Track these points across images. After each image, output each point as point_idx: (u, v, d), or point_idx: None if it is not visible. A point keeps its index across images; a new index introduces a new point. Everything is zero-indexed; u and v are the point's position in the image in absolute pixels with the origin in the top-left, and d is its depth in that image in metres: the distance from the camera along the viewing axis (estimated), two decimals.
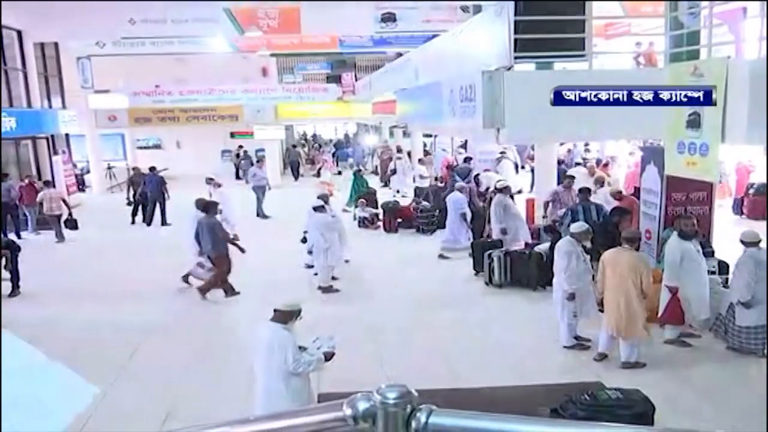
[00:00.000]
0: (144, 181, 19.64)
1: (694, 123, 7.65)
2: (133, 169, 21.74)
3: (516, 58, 8.41)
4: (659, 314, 8.85)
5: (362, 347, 8.67)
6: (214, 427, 1.50)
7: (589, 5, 8.98)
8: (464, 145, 25.76)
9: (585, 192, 12.11)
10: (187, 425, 6.92)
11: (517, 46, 8.31)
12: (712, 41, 8.18)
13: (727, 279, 9.67)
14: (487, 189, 17.56)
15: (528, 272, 11.65)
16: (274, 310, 6.02)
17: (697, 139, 7.65)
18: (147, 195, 19.48)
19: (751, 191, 16.63)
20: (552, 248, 11.66)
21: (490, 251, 12.01)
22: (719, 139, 7.33)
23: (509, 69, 8.41)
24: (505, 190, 13.74)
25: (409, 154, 27.72)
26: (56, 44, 23.83)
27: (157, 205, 19.45)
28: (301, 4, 21.50)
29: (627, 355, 8.21)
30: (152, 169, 20.20)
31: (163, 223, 19.29)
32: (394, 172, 24.58)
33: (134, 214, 19.70)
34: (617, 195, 12.09)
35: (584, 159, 21.98)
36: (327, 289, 11.80)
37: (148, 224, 19.14)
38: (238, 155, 32.38)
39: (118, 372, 8.47)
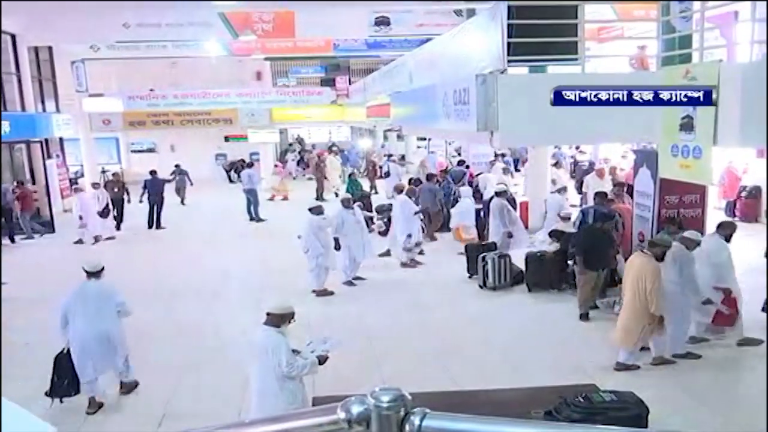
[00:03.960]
0: (145, 184, 19.66)
1: (688, 126, 7.68)
2: (113, 174, 21.57)
3: (509, 61, 8.44)
4: (713, 319, 8.76)
5: (357, 350, 8.66)
6: (210, 429, 1.51)
7: (582, 9, 9.01)
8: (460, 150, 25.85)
9: (601, 195, 12.07)
10: (183, 427, 6.95)
11: (510, 49, 8.33)
12: (704, 45, 8.22)
13: None
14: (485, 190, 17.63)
15: (550, 274, 11.64)
16: (267, 314, 6.03)
17: (691, 143, 7.69)
18: (149, 198, 19.47)
19: (744, 194, 16.69)
20: (559, 251, 11.71)
21: (485, 254, 12.02)
22: (711, 142, 7.37)
23: (503, 72, 8.44)
24: (502, 194, 13.74)
25: (402, 157, 27.76)
26: (50, 48, 23.79)
27: (155, 207, 19.45)
28: (295, 7, 21.51)
29: (625, 357, 8.22)
30: (153, 172, 20.19)
31: (158, 226, 19.28)
32: (387, 174, 24.57)
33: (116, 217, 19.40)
34: (607, 201, 12.05)
35: (577, 162, 22.05)
36: (321, 292, 11.79)
37: (150, 227, 19.18)
38: (232, 163, 32.30)
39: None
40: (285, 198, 24.30)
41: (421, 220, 14.39)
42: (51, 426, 2.19)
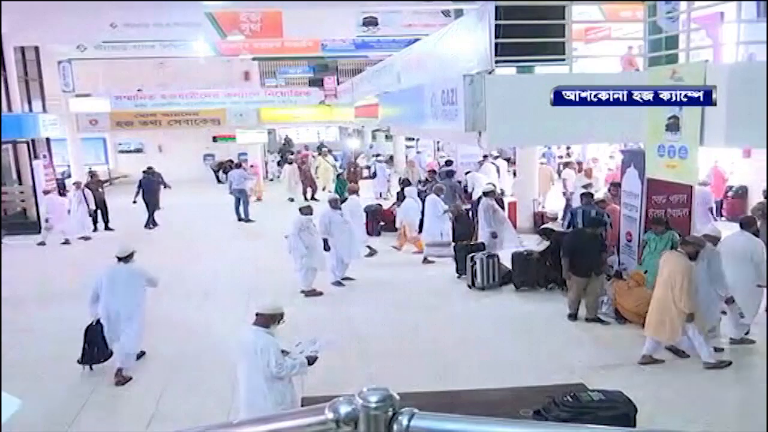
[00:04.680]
0: (140, 182, 19.64)
1: (674, 126, 7.73)
2: (92, 174, 21.39)
3: (497, 62, 8.46)
4: None
5: (345, 350, 8.66)
6: (199, 430, 1.51)
7: (569, 9, 9.04)
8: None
9: (587, 196, 12.09)
10: (172, 428, 6.93)
11: (498, 50, 8.35)
12: (691, 45, 8.27)
13: None
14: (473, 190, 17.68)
15: (537, 273, 11.65)
16: (256, 314, 6.02)
17: (677, 143, 7.74)
18: (144, 196, 19.50)
19: (730, 194, 16.78)
20: (548, 250, 11.71)
21: (473, 254, 12.03)
22: (698, 142, 7.41)
23: (490, 73, 8.46)
24: (490, 194, 13.75)
25: (391, 157, 27.76)
26: (37, 48, 23.64)
27: (147, 206, 19.50)
28: (283, 7, 21.46)
29: (651, 349, 8.27)
30: (149, 171, 20.05)
31: (147, 225, 19.26)
32: (374, 175, 24.60)
33: (95, 221, 19.17)
34: (601, 203, 12.07)
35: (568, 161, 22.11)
36: (310, 293, 11.77)
37: (152, 226, 19.24)
38: (221, 163, 32.01)
39: (102, 374, 8.42)
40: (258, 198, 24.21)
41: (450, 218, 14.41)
42: (17, 399, 2.24)
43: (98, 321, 8.36)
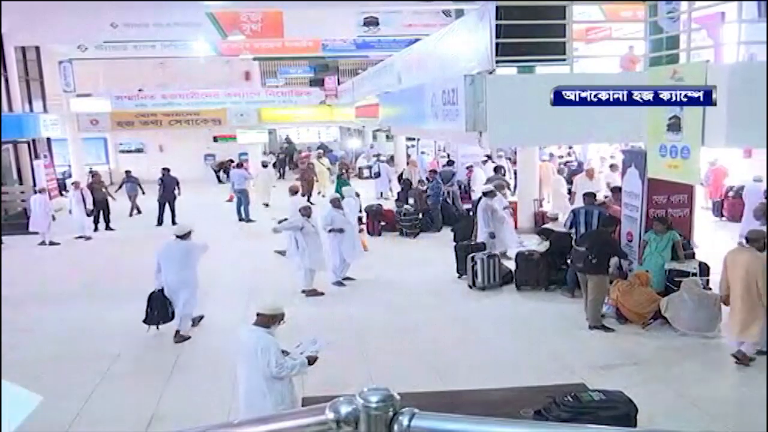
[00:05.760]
0: (161, 180, 19.72)
1: (675, 126, 7.72)
2: (93, 175, 21.32)
3: (498, 62, 8.46)
4: None
5: (345, 350, 8.66)
6: (199, 430, 1.51)
7: (570, 9, 9.04)
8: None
9: (590, 196, 12.06)
10: (172, 428, 6.93)
11: (498, 50, 8.35)
12: (692, 45, 8.27)
13: (708, 281, 9.73)
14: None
15: (537, 273, 11.61)
16: (257, 314, 6.01)
17: (678, 143, 7.73)
18: (162, 195, 19.66)
19: (731, 194, 16.75)
20: (549, 251, 11.68)
21: (473, 254, 12.02)
22: (700, 142, 7.41)
23: (491, 73, 8.46)
24: (490, 194, 13.72)
25: (392, 158, 27.76)
26: (37, 48, 23.67)
27: (167, 205, 19.62)
28: (283, 7, 21.48)
29: (747, 349, 8.09)
30: (166, 170, 20.04)
31: (173, 222, 19.29)
32: (378, 174, 24.58)
33: (96, 221, 19.14)
34: (602, 205, 12.05)
35: (566, 162, 22.10)
36: (311, 292, 11.76)
37: (159, 224, 19.27)
38: (221, 163, 31.95)
39: (102, 375, 8.42)
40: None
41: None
42: (37, 395, 2.29)
43: (161, 289, 9.50)
